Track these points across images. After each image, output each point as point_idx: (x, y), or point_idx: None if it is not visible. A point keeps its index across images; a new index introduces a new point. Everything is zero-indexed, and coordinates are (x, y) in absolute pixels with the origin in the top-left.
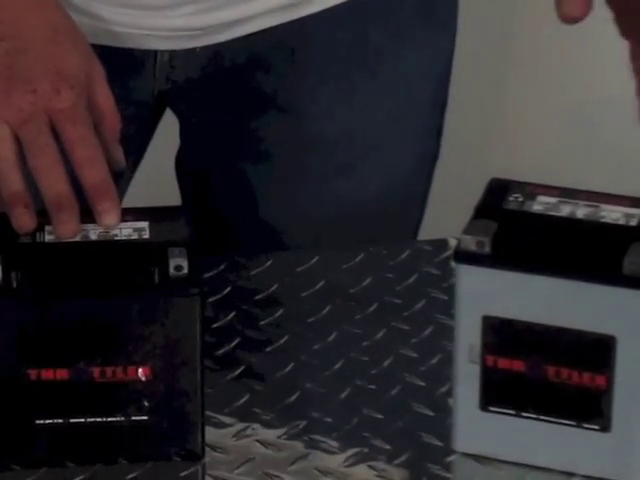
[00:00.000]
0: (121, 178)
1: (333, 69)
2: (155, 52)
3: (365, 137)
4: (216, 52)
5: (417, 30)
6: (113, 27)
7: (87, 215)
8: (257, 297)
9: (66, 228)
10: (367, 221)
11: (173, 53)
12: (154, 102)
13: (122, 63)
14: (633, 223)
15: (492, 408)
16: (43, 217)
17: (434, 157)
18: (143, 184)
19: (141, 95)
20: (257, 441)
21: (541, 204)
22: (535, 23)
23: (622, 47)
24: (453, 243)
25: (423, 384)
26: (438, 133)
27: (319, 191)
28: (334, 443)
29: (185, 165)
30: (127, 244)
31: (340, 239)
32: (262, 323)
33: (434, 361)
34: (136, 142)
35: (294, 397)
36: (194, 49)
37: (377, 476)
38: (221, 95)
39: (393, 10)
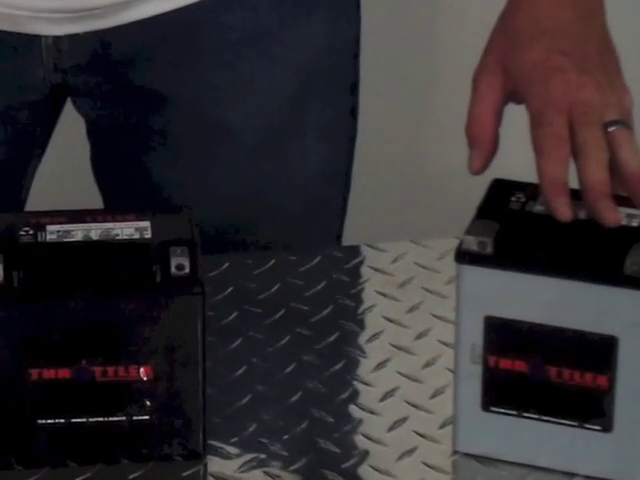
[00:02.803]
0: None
1: (225, 54)
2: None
3: (270, 120)
4: (102, 40)
5: (313, 12)
6: None
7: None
8: (260, 297)
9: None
10: (287, 205)
11: (57, 37)
12: (49, 94)
13: (10, 44)
14: (635, 224)
15: (494, 408)
16: (43, 217)
17: (351, 137)
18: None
19: (34, 80)
20: (260, 442)
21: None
22: None
23: (624, 49)
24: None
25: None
26: (352, 113)
27: (231, 177)
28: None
29: (97, 167)
30: (129, 243)
31: (259, 226)
32: (265, 322)
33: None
34: (36, 131)
35: (296, 397)
36: (78, 34)
37: None
38: (115, 91)
39: None
